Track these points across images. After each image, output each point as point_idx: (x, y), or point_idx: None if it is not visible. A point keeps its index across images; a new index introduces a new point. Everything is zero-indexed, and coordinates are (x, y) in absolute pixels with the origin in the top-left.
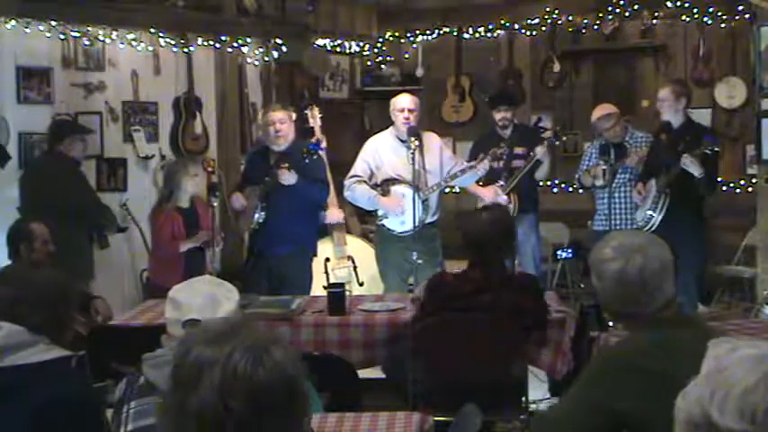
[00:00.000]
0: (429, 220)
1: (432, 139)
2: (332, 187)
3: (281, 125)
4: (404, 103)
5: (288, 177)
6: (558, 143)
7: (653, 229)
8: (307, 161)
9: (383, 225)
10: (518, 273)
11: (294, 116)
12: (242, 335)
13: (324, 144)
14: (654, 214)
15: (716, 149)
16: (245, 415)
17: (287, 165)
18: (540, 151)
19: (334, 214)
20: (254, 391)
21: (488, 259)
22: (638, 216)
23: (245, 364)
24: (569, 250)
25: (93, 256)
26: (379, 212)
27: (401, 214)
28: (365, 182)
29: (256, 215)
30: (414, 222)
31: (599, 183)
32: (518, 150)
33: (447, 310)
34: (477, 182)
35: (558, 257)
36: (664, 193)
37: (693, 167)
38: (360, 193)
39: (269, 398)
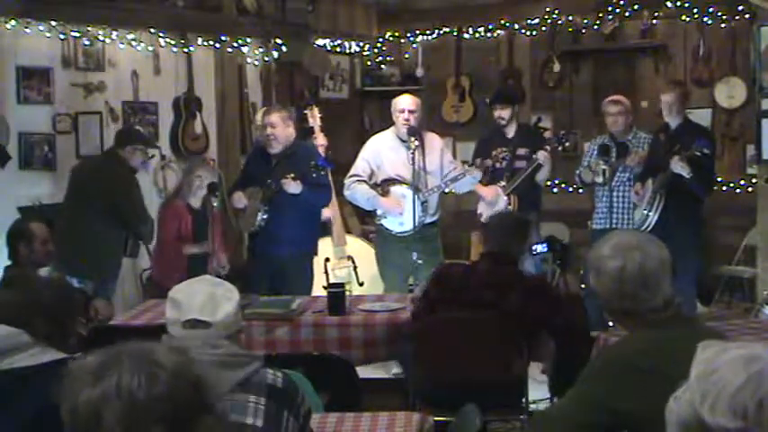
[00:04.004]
0: (429, 220)
1: (433, 140)
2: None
3: (273, 129)
4: (404, 104)
5: (293, 187)
6: (560, 149)
7: (650, 228)
8: (314, 175)
9: (382, 225)
10: (529, 274)
11: (292, 116)
12: (121, 358)
13: (324, 142)
14: (650, 214)
15: (705, 152)
16: (172, 429)
17: (293, 175)
18: (541, 156)
19: (325, 211)
20: (165, 406)
21: (499, 251)
22: (635, 216)
23: (139, 386)
24: (544, 245)
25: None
26: (378, 212)
27: (400, 215)
28: (365, 182)
29: (259, 218)
30: (414, 223)
31: (599, 180)
32: (521, 151)
33: (451, 303)
34: (480, 181)
35: (534, 252)
36: (659, 194)
37: (682, 169)
38: (360, 193)
39: (181, 403)
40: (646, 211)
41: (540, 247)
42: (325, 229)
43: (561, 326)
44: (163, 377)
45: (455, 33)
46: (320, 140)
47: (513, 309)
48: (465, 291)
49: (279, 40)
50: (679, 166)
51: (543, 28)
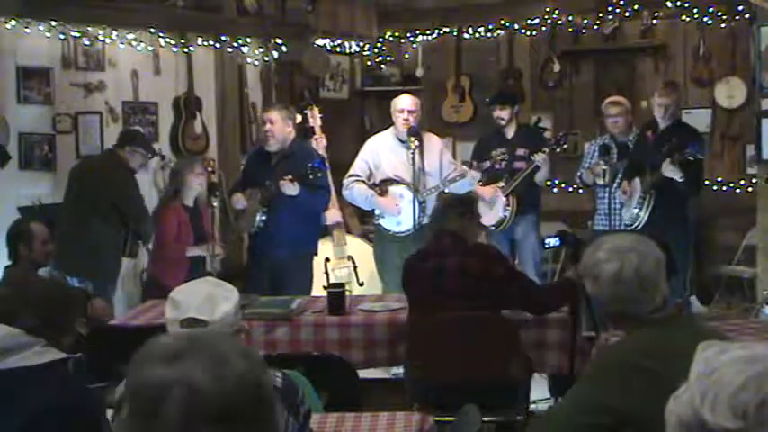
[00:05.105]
0: (427, 221)
1: (432, 141)
2: (332, 188)
3: (271, 125)
4: (403, 104)
5: (291, 189)
6: (558, 150)
7: (639, 227)
8: (311, 177)
9: (379, 224)
10: (476, 243)
11: (291, 116)
12: (200, 349)
13: (324, 142)
14: (641, 213)
15: (699, 157)
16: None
17: (290, 177)
18: (538, 158)
19: (332, 214)
20: (221, 409)
21: (441, 231)
22: (624, 215)
23: (207, 381)
24: (557, 239)
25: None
26: (376, 212)
27: (398, 215)
28: (363, 182)
29: (258, 219)
30: (413, 223)
31: (600, 181)
32: (520, 151)
33: (416, 290)
34: (479, 181)
35: (547, 246)
36: (649, 193)
37: (673, 173)
38: (357, 193)
39: (236, 412)
40: (636, 210)
41: (553, 241)
42: (326, 230)
43: (506, 278)
44: (230, 378)
45: (455, 33)
46: (320, 141)
47: (476, 274)
48: (420, 276)
49: (279, 40)
50: (670, 170)
51: (543, 28)
